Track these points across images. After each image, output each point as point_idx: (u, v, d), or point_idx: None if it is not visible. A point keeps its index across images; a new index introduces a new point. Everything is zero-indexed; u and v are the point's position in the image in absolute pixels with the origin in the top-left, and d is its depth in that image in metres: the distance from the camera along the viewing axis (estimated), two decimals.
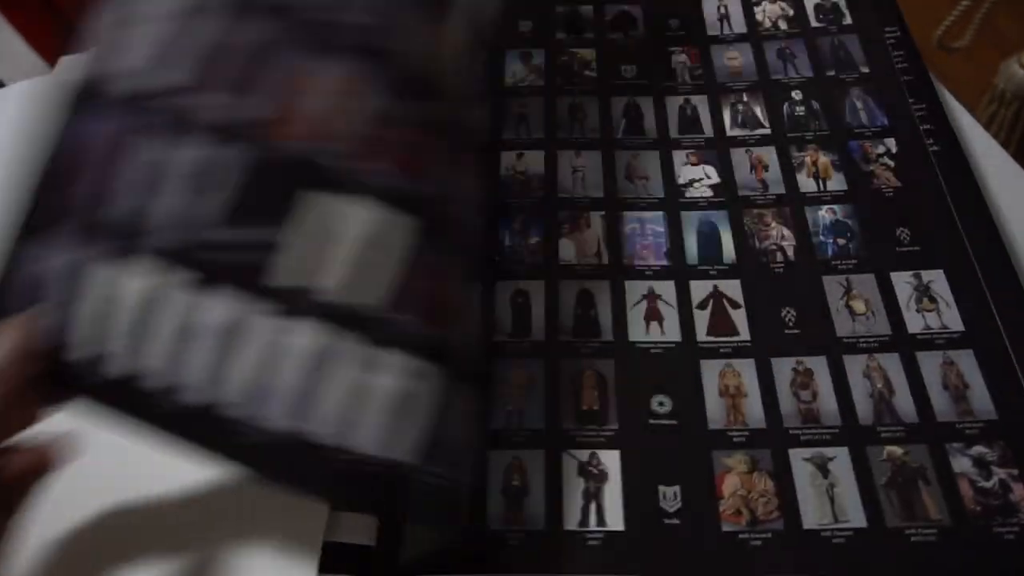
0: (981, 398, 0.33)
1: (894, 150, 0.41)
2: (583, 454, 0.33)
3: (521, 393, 0.35)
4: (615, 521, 0.32)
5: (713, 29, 0.48)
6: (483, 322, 0.37)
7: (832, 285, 0.37)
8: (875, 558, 0.30)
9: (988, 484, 0.31)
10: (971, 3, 0.80)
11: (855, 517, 0.31)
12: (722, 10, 0.49)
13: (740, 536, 0.31)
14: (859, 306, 0.36)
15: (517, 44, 0.49)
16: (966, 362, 0.34)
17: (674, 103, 0.45)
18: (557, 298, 0.38)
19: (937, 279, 0.37)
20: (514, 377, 0.36)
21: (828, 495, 0.32)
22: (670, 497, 0.32)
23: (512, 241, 0.40)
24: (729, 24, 0.48)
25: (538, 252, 0.39)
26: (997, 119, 0.85)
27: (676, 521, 0.32)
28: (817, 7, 0.48)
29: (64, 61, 0.59)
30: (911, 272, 0.37)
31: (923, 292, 0.37)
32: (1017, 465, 0.32)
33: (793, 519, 0.31)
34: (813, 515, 0.31)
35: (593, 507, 0.32)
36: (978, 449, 0.32)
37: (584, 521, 0.32)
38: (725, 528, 0.31)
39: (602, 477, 0.33)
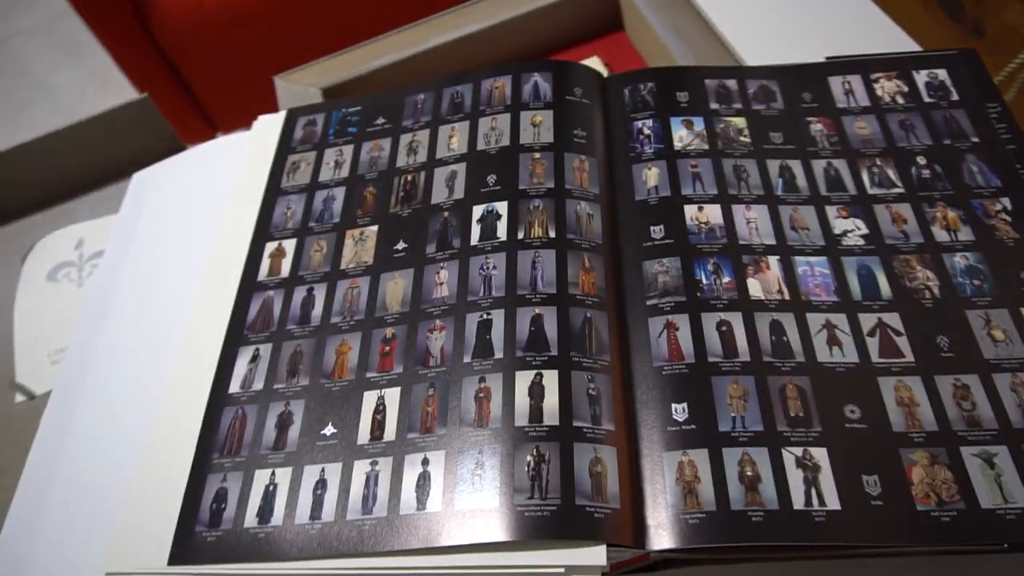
0: None
1: (1010, 207, 0.51)
2: (797, 450, 0.42)
3: (740, 402, 0.44)
4: (833, 502, 0.40)
5: (841, 102, 0.58)
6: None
7: (974, 318, 0.46)
8: None
9: None
10: (1016, 66, 0.91)
11: (1021, 499, 0.40)
12: (846, 86, 0.59)
13: (932, 514, 0.40)
14: (999, 334, 0.46)
15: (677, 112, 0.58)
16: None
17: (818, 165, 0.55)
18: (754, 327, 0.47)
19: None
20: (732, 390, 0.44)
21: (996, 483, 0.41)
22: (872, 484, 0.41)
23: (708, 280, 0.49)
24: (854, 98, 0.58)
25: (731, 289, 0.48)
26: None
27: (880, 502, 0.40)
28: (927, 84, 0.58)
29: (261, 120, 0.68)
30: None
31: None
32: None
33: (972, 501, 0.40)
34: (987, 498, 0.40)
35: (814, 492, 0.41)
36: None
37: (808, 502, 0.41)
38: (919, 508, 0.40)
39: (816, 469, 0.42)
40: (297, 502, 0.45)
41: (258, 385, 0.50)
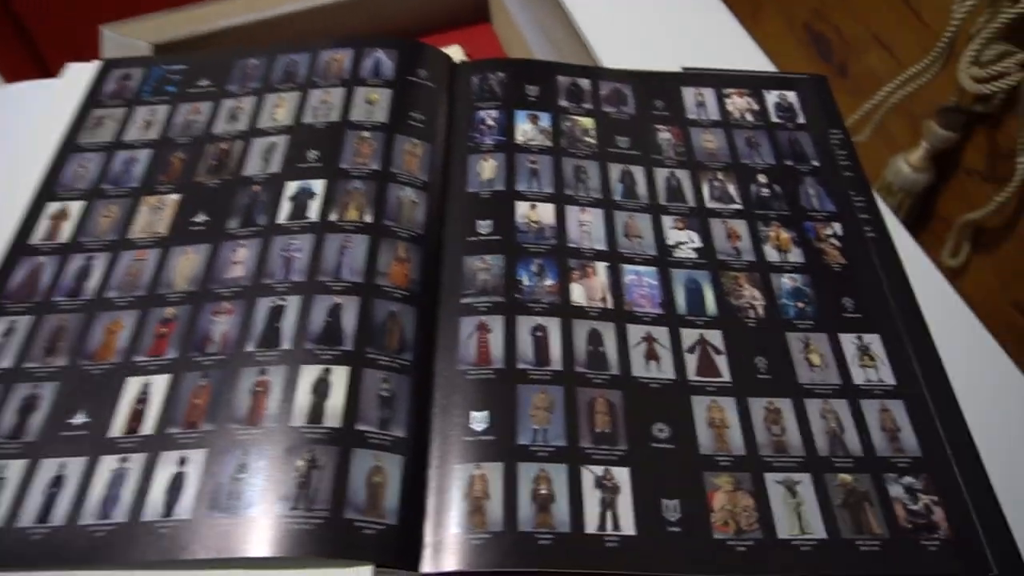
0: (909, 439, 0.42)
1: (840, 233, 0.50)
2: (599, 469, 0.39)
3: (545, 414, 0.40)
4: (628, 527, 0.37)
5: (691, 113, 0.56)
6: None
7: (794, 340, 0.45)
8: (833, 564, 0.37)
9: (916, 507, 0.39)
10: (870, 108, 0.94)
11: (817, 530, 0.38)
12: (699, 98, 0.57)
13: (728, 543, 0.37)
14: (815, 359, 0.44)
15: (525, 105, 0.55)
16: (897, 410, 0.43)
17: (661, 174, 0.52)
18: (571, 334, 0.43)
19: (874, 342, 0.45)
20: (537, 400, 0.41)
21: (796, 512, 0.39)
22: (671, 509, 0.38)
23: (531, 281, 0.45)
24: (705, 111, 0.57)
25: (553, 293, 0.45)
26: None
27: (678, 529, 0.38)
28: (776, 105, 0.57)
29: (71, 68, 0.60)
30: (855, 334, 0.46)
31: (864, 351, 0.45)
32: (937, 493, 0.40)
33: (770, 530, 0.38)
34: (785, 527, 0.38)
35: (609, 514, 0.38)
36: (908, 479, 0.40)
37: (602, 526, 0.37)
38: (716, 536, 0.38)
39: (615, 490, 0.39)
40: (24, 502, 0.38)
41: (5, 363, 0.43)
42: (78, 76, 0.59)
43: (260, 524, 0.36)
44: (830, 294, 0.47)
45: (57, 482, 0.38)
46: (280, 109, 0.54)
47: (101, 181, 0.51)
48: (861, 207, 0.52)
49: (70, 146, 0.54)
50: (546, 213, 0.49)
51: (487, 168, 0.51)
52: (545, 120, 0.54)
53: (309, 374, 0.40)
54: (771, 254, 0.49)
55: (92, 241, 0.48)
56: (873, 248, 0.50)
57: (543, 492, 0.38)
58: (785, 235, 0.50)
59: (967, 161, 0.94)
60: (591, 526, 0.37)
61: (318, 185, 0.48)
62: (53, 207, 0.50)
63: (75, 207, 0.50)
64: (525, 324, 0.44)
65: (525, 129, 0.53)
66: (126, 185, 0.51)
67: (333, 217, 0.46)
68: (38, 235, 0.49)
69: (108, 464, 0.39)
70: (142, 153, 0.53)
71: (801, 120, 0.57)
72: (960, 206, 0.95)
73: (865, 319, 0.46)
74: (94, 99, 0.57)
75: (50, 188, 0.51)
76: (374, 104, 0.53)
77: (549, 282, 0.45)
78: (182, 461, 0.38)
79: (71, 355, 0.43)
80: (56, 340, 0.44)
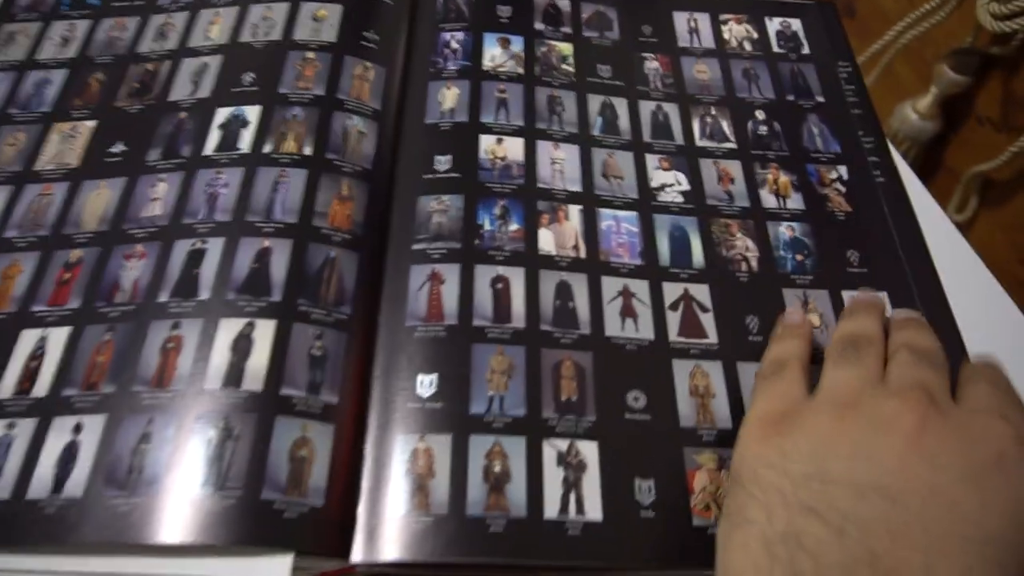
0: None
1: (846, 177, 0.44)
2: (562, 444, 0.34)
3: (503, 379, 0.35)
4: (594, 511, 0.32)
5: (683, 41, 0.50)
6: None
7: (791, 297, 0.40)
8: None
9: None
10: (878, 50, 0.87)
11: None
12: (692, 24, 0.51)
13: (710, 531, 0.32)
14: (815, 319, 0.39)
15: (495, 27, 0.48)
16: None
17: (647, 107, 0.46)
18: (537, 287, 0.38)
19: (882, 299, 0.40)
20: (495, 363, 0.35)
21: None
22: (645, 490, 0.33)
23: (492, 226, 0.40)
24: (698, 38, 0.50)
25: (518, 239, 0.39)
26: None
27: (651, 514, 0.33)
28: (779, 33, 0.51)
29: None
30: (859, 291, 0.40)
31: None
32: None
33: None
34: None
35: (573, 497, 0.33)
36: None
37: (564, 510, 0.32)
38: (696, 523, 0.33)
39: (581, 467, 0.33)
40: None
41: None
42: None
43: (162, 504, 0.30)
44: (833, 246, 0.42)
45: None
46: (215, 26, 0.47)
47: (8, 105, 0.45)
48: (870, 148, 0.46)
49: None
50: (514, 148, 0.43)
51: (449, 96, 0.45)
52: (517, 44, 0.48)
53: (229, 329, 0.34)
54: (768, 199, 0.43)
55: None
56: (883, 195, 0.44)
57: (497, 470, 0.33)
58: (784, 178, 0.44)
59: (979, 108, 0.87)
60: (551, 510, 0.32)
61: (252, 112, 0.42)
62: None
63: None
64: (484, 274, 0.38)
65: (494, 54, 0.47)
66: (37, 109, 0.44)
67: (267, 148, 0.40)
68: None
69: None
70: (57, 73, 0.46)
71: (806, 51, 0.50)
72: (969, 157, 0.89)
73: (872, 274, 0.41)
74: (5, 13, 0.50)
75: None
76: (322, 21, 0.46)
77: (514, 227, 0.40)
78: (77, 428, 0.33)
79: None
80: None
